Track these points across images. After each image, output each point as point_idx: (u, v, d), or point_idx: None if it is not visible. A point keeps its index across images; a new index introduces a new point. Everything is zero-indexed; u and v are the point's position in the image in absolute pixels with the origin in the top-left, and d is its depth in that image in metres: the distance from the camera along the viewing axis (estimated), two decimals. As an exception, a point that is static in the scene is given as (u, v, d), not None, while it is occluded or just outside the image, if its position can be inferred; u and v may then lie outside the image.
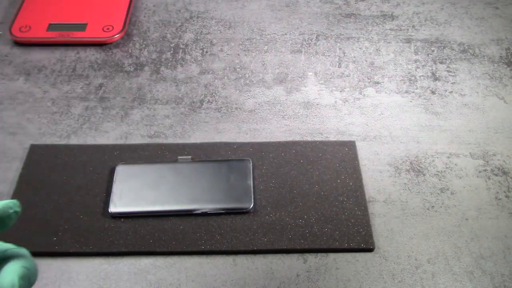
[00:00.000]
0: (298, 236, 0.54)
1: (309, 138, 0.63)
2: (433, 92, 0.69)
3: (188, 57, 0.73)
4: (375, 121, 0.65)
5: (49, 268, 0.52)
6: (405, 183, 0.59)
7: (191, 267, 0.52)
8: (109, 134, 0.63)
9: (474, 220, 0.56)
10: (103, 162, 0.60)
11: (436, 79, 0.70)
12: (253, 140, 0.63)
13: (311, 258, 0.53)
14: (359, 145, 0.63)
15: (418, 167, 0.61)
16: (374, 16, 0.79)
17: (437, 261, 0.53)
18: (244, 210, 0.55)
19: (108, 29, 0.74)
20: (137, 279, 0.51)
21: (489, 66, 0.72)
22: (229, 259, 0.53)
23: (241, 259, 0.53)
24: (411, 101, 0.68)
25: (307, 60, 0.73)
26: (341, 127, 0.65)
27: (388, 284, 0.51)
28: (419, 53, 0.74)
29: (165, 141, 0.63)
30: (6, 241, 0.37)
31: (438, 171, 0.60)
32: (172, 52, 0.74)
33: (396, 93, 0.69)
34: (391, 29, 0.77)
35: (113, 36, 0.73)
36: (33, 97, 0.67)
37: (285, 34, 0.77)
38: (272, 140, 0.63)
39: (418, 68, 0.72)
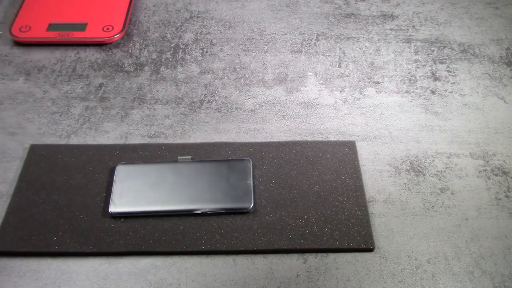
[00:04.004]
0: (298, 236, 0.54)
1: (309, 138, 0.63)
2: (433, 92, 0.69)
3: (188, 57, 0.73)
4: (375, 121, 0.65)
5: (49, 268, 0.52)
6: (405, 183, 0.59)
7: (191, 267, 0.52)
8: (109, 134, 0.63)
9: (474, 220, 0.56)
10: (103, 162, 0.60)
11: (436, 79, 0.70)
12: (253, 140, 0.63)
13: (311, 258, 0.53)
14: (359, 145, 0.63)
15: (418, 167, 0.61)
16: (374, 16, 0.79)
17: (437, 261, 0.53)
18: (244, 210, 0.55)
19: (108, 29, 0.74)
20: (137, 279, 0.51)
21: (489, 66, 0.72)
22: (229, 259, 0.53)
23: (241, 259, 0.53)
24: (411, 101, 0.68)
25: (307, 60, 0.73)
26: (341, 127, 0.65)
27: (388, 284, 0.51)
28: (419, 53, 0.74)
29: (165, 141, 0.63)
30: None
31: (438, 171, 0.60)
32: (172, 52, 0.74)
33: (396, 93, 0.69)
34: (391, 29, 0.77)
35: (113, 36, 0.73)
36: (33, 97, 0.67)
37: (285, 34, 0.77)
38: (272, 140, 0.63)
39: (418, 68, 0.72)
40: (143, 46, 0.74)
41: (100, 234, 0.54)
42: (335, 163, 0.60)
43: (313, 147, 0.62)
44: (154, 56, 0.73)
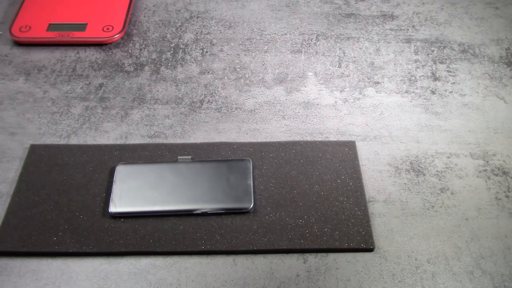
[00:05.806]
0: (298, 236, 0.54)
1: (309, 138, 0.63)
2: (433, 92, 0.69)
3: (188, 57, 0.73)
4: (375, 121, 0.65)
5: (49, 268, 0.52)
6: (405, 183, 0.59)
7: (191, 267, 0.52)
8: (109, 134, 0.63)
9: (474, 220, 0.56)
10: (103, 162, 0.60)
11: (436, 79, 0.70)
12: (253, 140, 0.63)
13: (311, 258, 0.53)
14: (359, 145, 0.63)
15: (418, 167, 0.61)
16: (374, 16, 0.79)
17: (437, 261, 0.53)
18: (244, 210, 0.55)
19: (108, 29, 0.74)
20: (137, 279, 0.51)
21: (489, 66, 0.72)
22: (229, 259, 0.53)
23: (241, 259, 0.53)
24: (411, 101, 0.68)
25: (307, 60, 0.73)
26: (341, 127, 0.65)
27: (388, 284, 0.51)
28: (419, 53, 0.74)
29: (165, 141, 0.63)
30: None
31: (438, 171, 0.60)
32: (172, 52, 0.74)
33: (396, 93, 0.69)
34: (391, 29, 0.77)
35: (113, 36, 0.73)
36: (33, 97, 0.67)
37: (285, 34, 0.77)
38: (272, 140, 0.63)
39: (418, 68, 0.72)
40: (143, 46, 0.74)
41: (100, 234, 0.54)
42: (335, 163, 0.60)
43: (313, 147, 0.62)
44: (154, 56, 0.73)
